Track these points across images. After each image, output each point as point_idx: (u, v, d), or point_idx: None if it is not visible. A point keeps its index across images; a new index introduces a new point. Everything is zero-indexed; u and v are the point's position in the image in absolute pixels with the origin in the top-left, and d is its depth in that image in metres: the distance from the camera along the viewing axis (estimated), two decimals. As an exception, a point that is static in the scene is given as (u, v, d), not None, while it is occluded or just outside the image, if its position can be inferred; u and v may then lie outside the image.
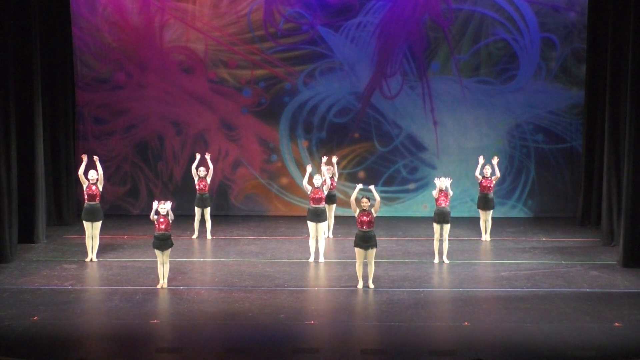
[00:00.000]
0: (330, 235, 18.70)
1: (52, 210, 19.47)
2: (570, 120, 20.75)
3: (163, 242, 14.84)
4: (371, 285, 14.92)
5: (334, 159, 18.80)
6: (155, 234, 14.89)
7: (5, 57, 16.63)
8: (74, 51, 20.42)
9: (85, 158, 16.97)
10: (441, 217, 16.53)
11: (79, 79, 20.65)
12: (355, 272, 15.08)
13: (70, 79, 20.19)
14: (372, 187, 15.38)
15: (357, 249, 14.91)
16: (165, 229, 14.85)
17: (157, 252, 14.89)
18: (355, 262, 15.14)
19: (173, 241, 15.10)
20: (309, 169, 16.92)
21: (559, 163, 20.89)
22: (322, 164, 18.27)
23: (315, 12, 20.66)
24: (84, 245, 16.85)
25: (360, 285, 14.98)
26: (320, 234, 16.75)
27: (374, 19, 20.66)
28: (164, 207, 14.91)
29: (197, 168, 18.57)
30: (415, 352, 12.09)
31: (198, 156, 18.76)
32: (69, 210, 19.76)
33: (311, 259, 16.76)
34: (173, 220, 15.07)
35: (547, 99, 20.71)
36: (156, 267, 15.12)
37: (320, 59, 20.81)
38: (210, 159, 18.76)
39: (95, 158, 17.10)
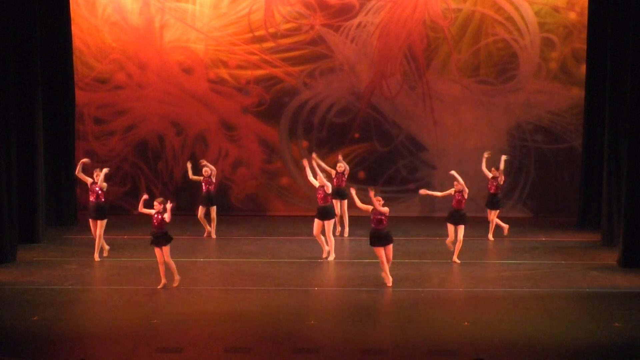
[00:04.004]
0: (346, 235, 18.54)
1: (52, 210, 19.46)
2: (570, 120, 20.73)
3: (160, 239, 14.76)
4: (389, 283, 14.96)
5: (340, 157, 18.71)
6: (152, 231, 14.84)
7: (5, 57, 16.63)
8: (74, 51, 20.40)
9: (85, 161, 16.81)
10: (452, 218, 16.64)
11: (79, 79, 20.64)
12: (380, 272, 15.12)
13: (70, 79, 20.16)
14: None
15: (376, 248, 14.92)
16: (160, 226, 14.77)
17: (156, 249, 14.83)
18: (369, 263, 15.17)
19: (171, 236, 14.91)
20: (307, 168, 16.79)
21: (558, 163, 20.88)
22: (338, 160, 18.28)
23: (315, 12, 20.66)
24: (84, 245, 16.90)
25: (389, 282, 14.99)
26: (328, 231, 16.66)
27: (374, 19, 20.64)
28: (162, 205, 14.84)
29: (194, 174, 18.47)
30: (415, 352, 12.10)
31: (189, 164, 18.69)
32: (69, 210, 19.75)
33: (325, 255, 16.66)
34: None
35: (547, 99, 20.69)
36: (157, 267, 15.05)
37: (320, 59, 20.79)
38: (210, 159, 18.68)
39: (105, 170, 16.84)
